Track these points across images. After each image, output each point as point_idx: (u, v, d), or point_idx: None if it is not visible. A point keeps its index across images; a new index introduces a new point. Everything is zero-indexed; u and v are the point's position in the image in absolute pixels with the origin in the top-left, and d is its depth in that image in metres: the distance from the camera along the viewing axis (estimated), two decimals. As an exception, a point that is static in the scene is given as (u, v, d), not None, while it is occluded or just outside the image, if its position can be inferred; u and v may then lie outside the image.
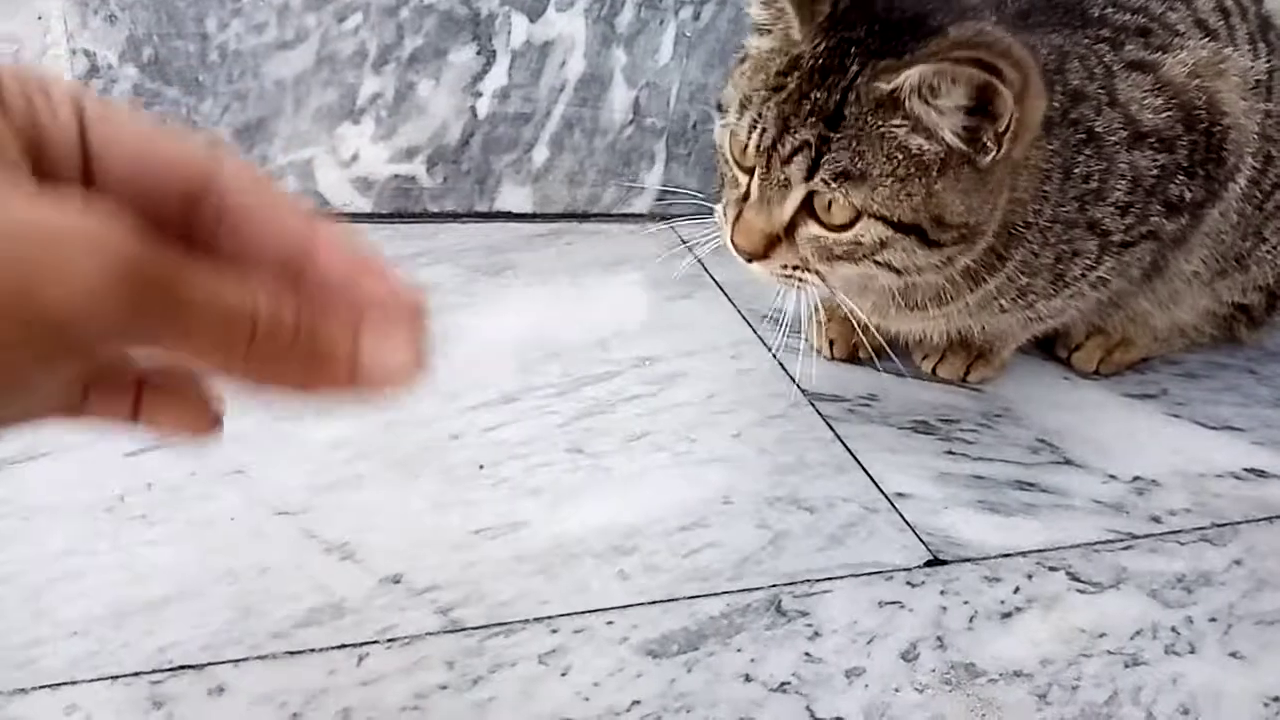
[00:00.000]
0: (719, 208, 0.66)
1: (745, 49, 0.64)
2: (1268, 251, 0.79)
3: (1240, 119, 0.71)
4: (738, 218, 0.62)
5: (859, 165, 0.57)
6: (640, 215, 1.03)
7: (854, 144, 0.57)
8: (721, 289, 0.90)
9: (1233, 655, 0.58)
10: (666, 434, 0.70)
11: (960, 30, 0.57)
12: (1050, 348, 0.86)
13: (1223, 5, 0.74)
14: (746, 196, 0.62)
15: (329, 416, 0.67)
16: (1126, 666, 0.56)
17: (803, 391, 0.77)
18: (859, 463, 0.70)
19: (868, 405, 0.77)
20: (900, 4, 0.59)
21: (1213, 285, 0.80)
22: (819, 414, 0.75)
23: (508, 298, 0.85)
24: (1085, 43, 0.68)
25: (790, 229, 0.61)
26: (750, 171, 0.61)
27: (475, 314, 0.81)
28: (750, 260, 0.63)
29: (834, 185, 0.58)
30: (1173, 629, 0.59)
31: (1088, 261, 0.69)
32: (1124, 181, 0.67)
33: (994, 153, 0.57)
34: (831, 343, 0.81)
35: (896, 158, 0.57)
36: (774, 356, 0.81)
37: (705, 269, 0.93)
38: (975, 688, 0.54)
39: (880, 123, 0.57)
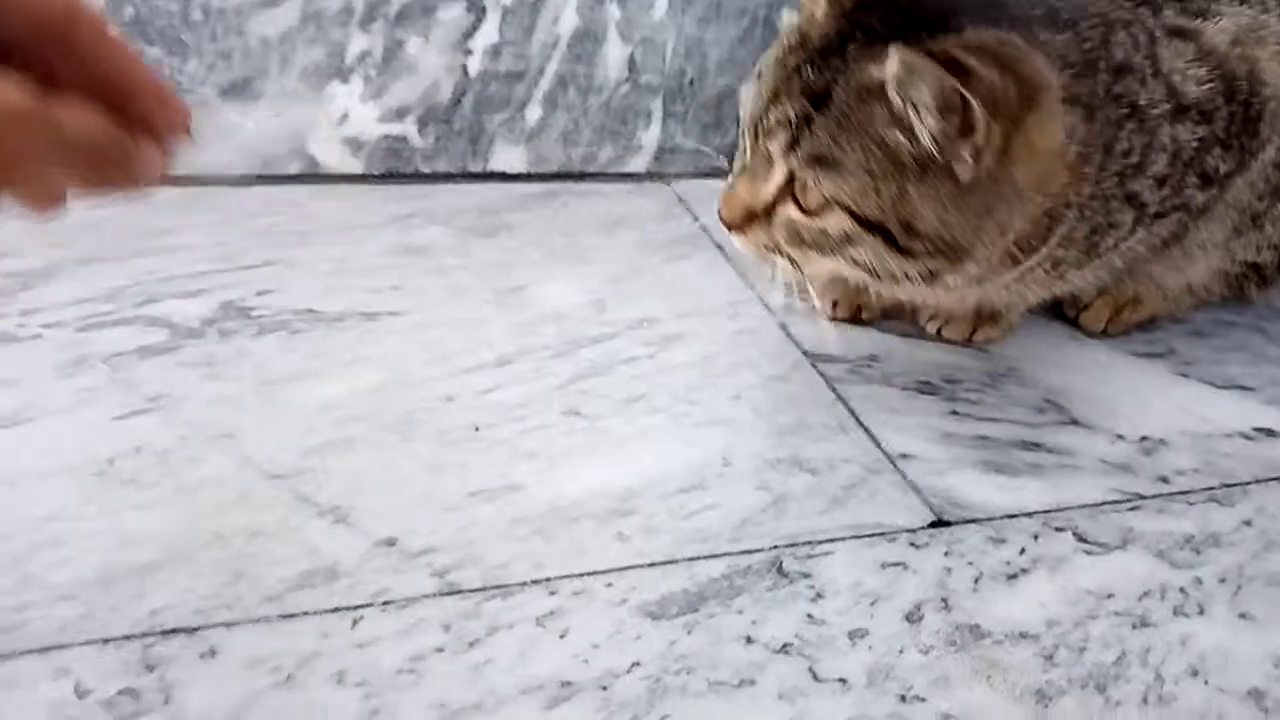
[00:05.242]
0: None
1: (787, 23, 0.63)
2: None
3: None
4: (731, 186, 0.63)
5: (835, 152, 0.57)
6: (637, 175, 1.01)
7: (834, 128, 0.56)
8: (721, 249, 0.88)
9: (1242, 616, 0.57)
10: (665, 396, 0.69)
11: (976, 32, 0.55)
12: (1057, 307, 0.84)
13: None
14: (744, 167, 0.62)
15: (320, 379, 0.66)
16: (1134, 628, 0.55)
17: (804, 352, 0.76)
18: (861, 424, 0.69)
19: (870, 366, 0.75)
20: (931, 1, 0.57)
21: (1228, 245, 0.78)
22: (820, 375, 0.73)
23: (502, 259, 0.83)
24: (1128, 5, 0.66)
25: (770, 208, 0.61)
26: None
27: (471, 275, 0.80)
28: (730, 230, 0.64)
29: (807, 167, 0.57)
30: (1181, 590, 0.58)
31: (1121, 233, 0.68)
32: (1164, 155, 0.65)
33: (971, 167, 0.55)
34: (834, 303, 0.80)
35: (873, 151, 0.56)
36: (774, 317, 0.80)
37: (704, 229, 0.92)
38: (980, 649, 0.53)
39: (863, 112, 0.56)
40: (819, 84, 0.57)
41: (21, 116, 0.31)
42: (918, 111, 0.54)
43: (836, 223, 0.59)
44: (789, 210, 0.60)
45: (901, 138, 0.56)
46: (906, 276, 0.61)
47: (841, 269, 0.63)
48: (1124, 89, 0.63)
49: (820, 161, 0.57)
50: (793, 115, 0.57)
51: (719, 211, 0.64)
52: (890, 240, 0.59)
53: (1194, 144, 0.66)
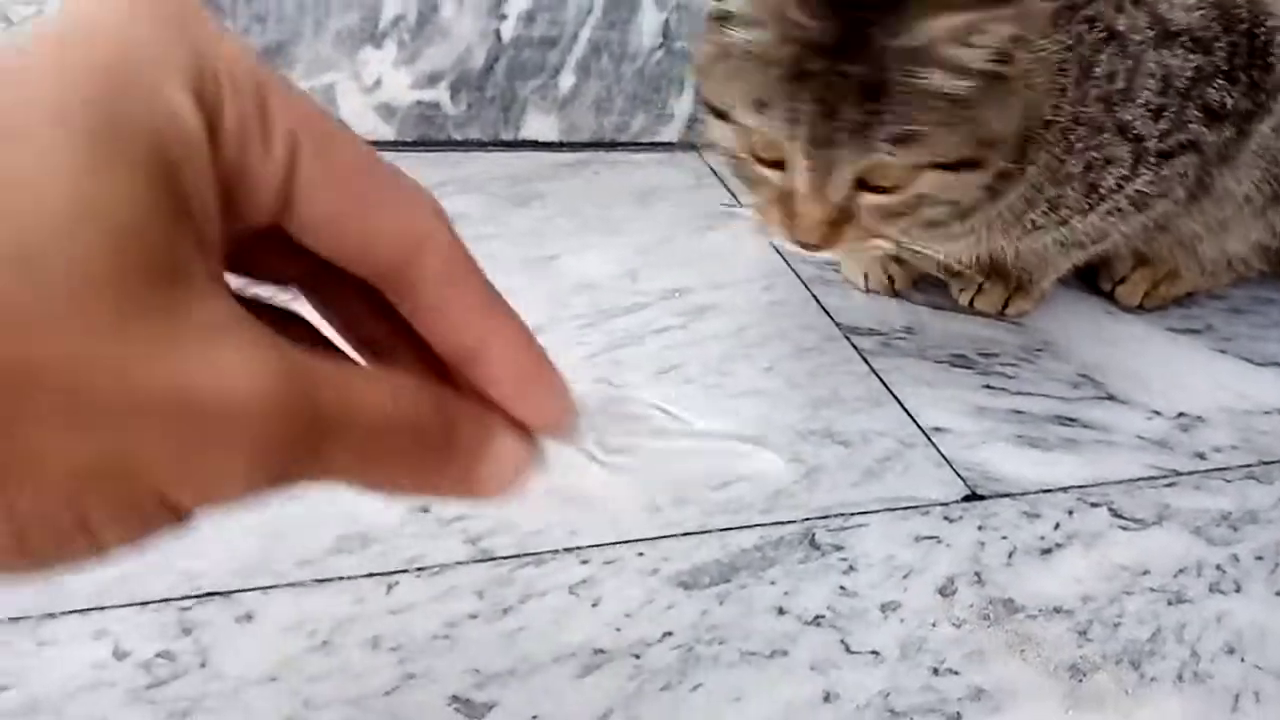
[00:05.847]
0: (753, 208, 0.62)
1: (720, 44, 0.58)
2: None
3: None
4: (791, 215, 0.58)
5: (908, 126, 0.55)
6: (669, 144, 1.00)
7: (898, 107, 0.54)
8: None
9: (1279, 594, 0.57)
10: (697, 366, 0.69)
11: None
12: (1093, 280, 0.83)
13: None
14: (790, 192, 0.58)
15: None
16: (1170, 604, 0.55)
17: (837, 324, 0.75)
18: (895, 396, 0.68)
19: (904, 338, 0.75)
20: None
21: (1265, 214, 0.77)
22: (854, 347, 0.73)
23: (534, 228, 0.83)
24: None
25: (845, 208, 0.58)
26: (783, 165, 0.58)
27: (504, 244, 0.80)
28: (819, 250, 0.59)
29: (889, 152, 0.55)
30: (1218, 567, 0.58)
31: (1122, 171, 0.66)
32: (1153, 81, 0.64)
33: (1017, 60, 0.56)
34: (866, 275, 0.79)
35: (938, 105, 0.55)
36: (807, 289, 0.79)
37: (736, 200, 0.91)
38: (1014, 623, 0.53)
39: (915, 77, 0.54)
40: (864, 76, 0.54)
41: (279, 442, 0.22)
42: (976, 50, 0.54)
43: (927, 181, 0.57)
44: (869, 199, 0.58)
45: (958, 81, 0.55)
46: (982, 185, 0.60)
47: (934, 215, 0.60)
48: (1096, 11, 0.62)
49: (899, 142, 0.55)
50: (857, 116, 0.54)
51: (786, 242, 0.60)
52: (972, 165, 0.58)
53: (1188, 73, 0.65)
